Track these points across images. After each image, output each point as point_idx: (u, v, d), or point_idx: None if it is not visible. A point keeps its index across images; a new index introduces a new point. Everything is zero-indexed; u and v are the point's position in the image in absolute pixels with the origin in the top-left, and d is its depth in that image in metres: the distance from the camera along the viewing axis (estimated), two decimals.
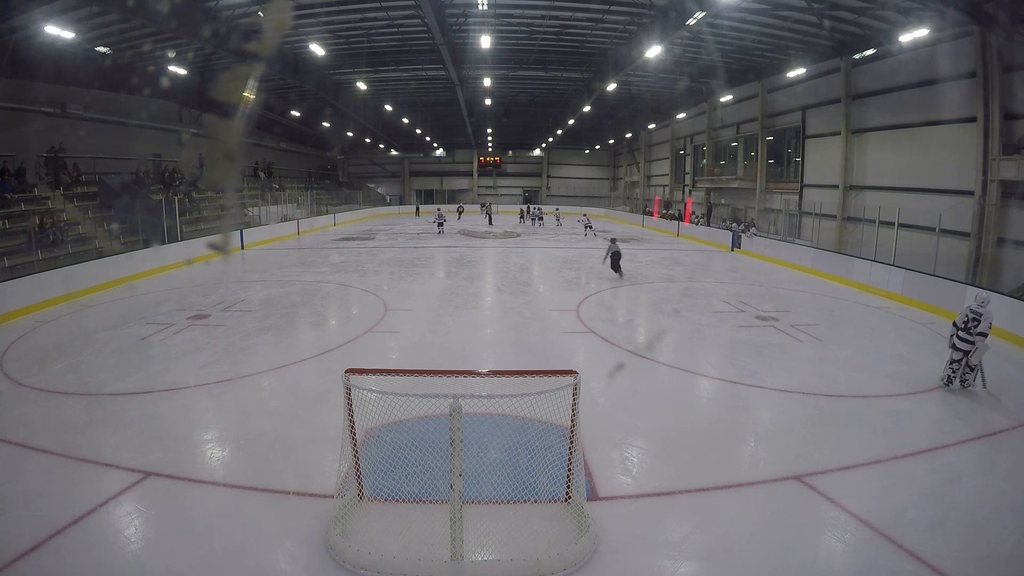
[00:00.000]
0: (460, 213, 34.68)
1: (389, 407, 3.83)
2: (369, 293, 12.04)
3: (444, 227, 25.90)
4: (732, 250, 19.98)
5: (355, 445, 3.94)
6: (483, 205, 35.48)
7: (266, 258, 17.50)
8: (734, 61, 19.95)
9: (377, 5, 15.54)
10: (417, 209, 38.98)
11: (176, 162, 21.94)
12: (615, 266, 13.87)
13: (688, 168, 30.47)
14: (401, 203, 42.26)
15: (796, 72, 17.80)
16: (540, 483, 4.15)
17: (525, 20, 17.22)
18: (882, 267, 12.44)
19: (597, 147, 43.20)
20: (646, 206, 32.93)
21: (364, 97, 26.49)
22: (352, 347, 8.11)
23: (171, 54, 17.47)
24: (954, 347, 6.57)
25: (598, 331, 9.01)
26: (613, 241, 14.30)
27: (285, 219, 25.36)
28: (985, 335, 6.41)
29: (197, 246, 15.87)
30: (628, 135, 37.89)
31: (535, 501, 4.02)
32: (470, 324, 9.62)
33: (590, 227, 25.79)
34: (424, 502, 4.01)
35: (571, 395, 3.82)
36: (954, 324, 6.65)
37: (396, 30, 17.88)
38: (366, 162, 44.18)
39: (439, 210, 28.30)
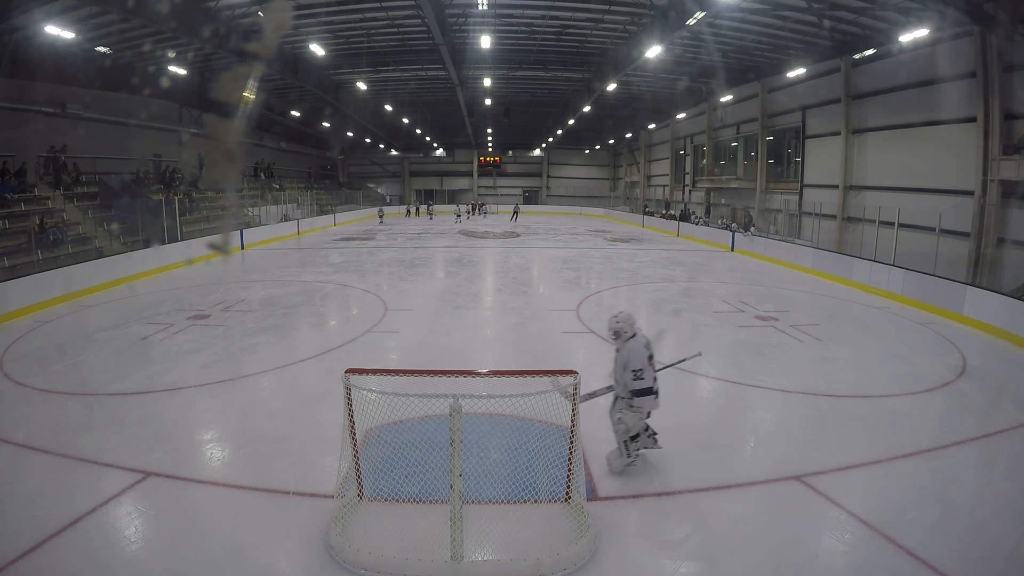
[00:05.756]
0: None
1: (389, 407, 3.83)
2: (369, 293, 12.04)
3: (384, 219, 32.39)
4: (732, 250, 19.98)
5: (355, 445, 3.93)
6: (459, 207, 35.79)
7: (266, 258, 17.50)
8: (734, 61, 19.95)
9: (377, 5, 15.54)
10: (409, 210, 38.72)
11: (176, 162, 21.94)
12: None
13: (688, 168, 30.46)
14: (401, 203, 42.26)
15: (796, 72, 17.79)
16: (540, 483, 4.15)
17: (525, 20, 17.21)
18: (882, 267, 12.44)
19: (597, 147, 43.15)
20: (646, 206, 32.93)
21: (364, 97, 26.48)
22: (352, 347, 8.11)
23: (171, 54, 17.46)
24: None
25: (598, 331, 8.99)
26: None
27: (285, 219, 25.36)
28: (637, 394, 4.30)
29: (197, 246, 15.86)
30: (628, 135, 37.86)
31: (535, 501, 4.02)
32: (470, 324, 9.61)
33: (471, 213, 35.88)
34: (424, 502, 4.01)
35: (571, 395, 3.82)
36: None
37: (396, 30, 17.87)
38: (366, 162, 44.15)
39: (381, 210, 33.38)
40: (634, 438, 4.49)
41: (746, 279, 14.32)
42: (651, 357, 4.44)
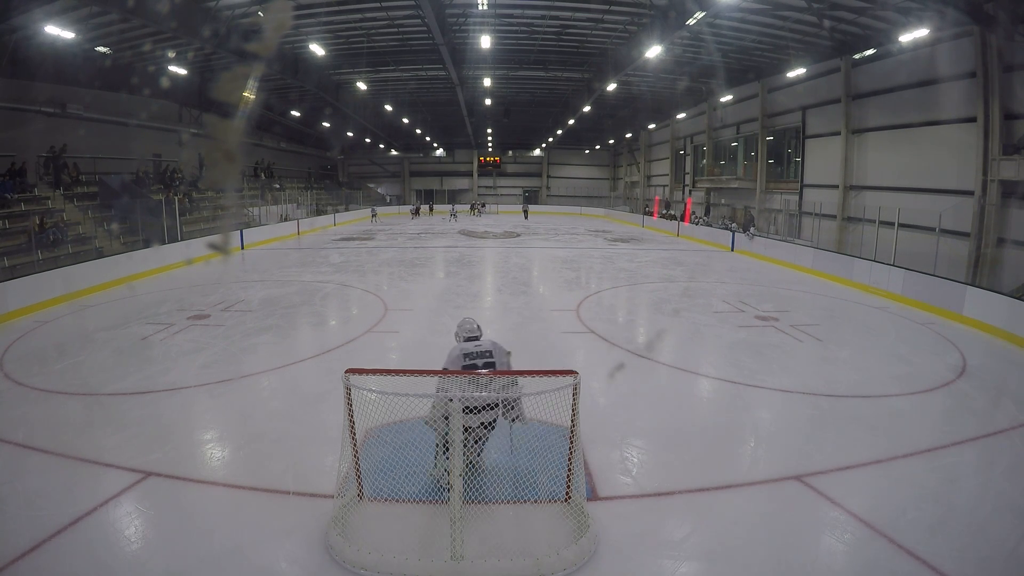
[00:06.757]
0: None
1: (389, 407, 3.83)
2: (369, 293, 12.04)
3: (376, 218, 33.35)
4: (732, 250, 19.98)
5: (355, 445, 3.93)
6: (452, 207, 36.44)
7: (266, 258, 17.50)
8: (734, 61, 19.95)
9: (377, 5, 15.54)
10: (413, 210, 38.77)
11: (176, 162, 21.95)
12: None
13: (688, 168, 30.45)
14: (400, 203, 42.26)
15: (796, 72, 17.77)
16: (540, 483, 4.15)
17: (525, 20, 17.21)
18: (882, 267, 12.44)
19: (597, 147, 43.16)
20: (646, 206, 32.94)
21: (364, 97, 26.48)
22: (352, 347, 8.11)
23: (171, 54, 17.47)
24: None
25: (598, 331, 9.00)
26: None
27: (285, 219, 25.36)
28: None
29: (197, 246, 15.86)
30: (628, 135, 37.86)
31: (535, 501, 4.02)
32: None
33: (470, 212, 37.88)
34: (424, 502, 4.01)
35: (571, 395, 3.81)
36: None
37: (396, 30, 17.88)
38: (366, 162, 44.16)
39: (373, 210, 34.14)
40: (447, 449, 3.70)
41: (746, 279, 14.31)
42: (473, 367, 4.11)
